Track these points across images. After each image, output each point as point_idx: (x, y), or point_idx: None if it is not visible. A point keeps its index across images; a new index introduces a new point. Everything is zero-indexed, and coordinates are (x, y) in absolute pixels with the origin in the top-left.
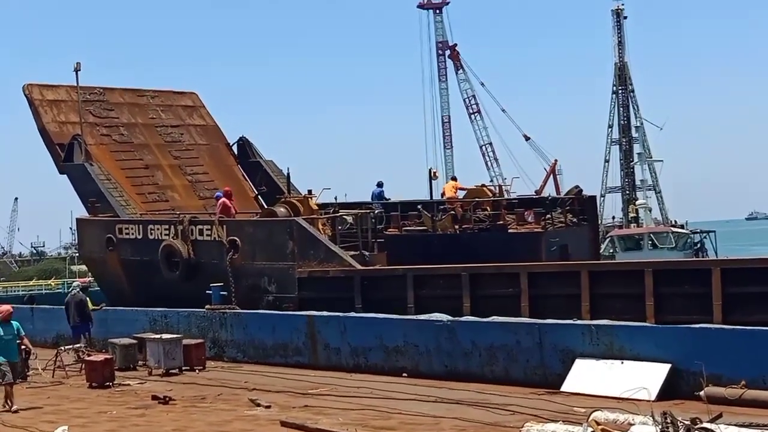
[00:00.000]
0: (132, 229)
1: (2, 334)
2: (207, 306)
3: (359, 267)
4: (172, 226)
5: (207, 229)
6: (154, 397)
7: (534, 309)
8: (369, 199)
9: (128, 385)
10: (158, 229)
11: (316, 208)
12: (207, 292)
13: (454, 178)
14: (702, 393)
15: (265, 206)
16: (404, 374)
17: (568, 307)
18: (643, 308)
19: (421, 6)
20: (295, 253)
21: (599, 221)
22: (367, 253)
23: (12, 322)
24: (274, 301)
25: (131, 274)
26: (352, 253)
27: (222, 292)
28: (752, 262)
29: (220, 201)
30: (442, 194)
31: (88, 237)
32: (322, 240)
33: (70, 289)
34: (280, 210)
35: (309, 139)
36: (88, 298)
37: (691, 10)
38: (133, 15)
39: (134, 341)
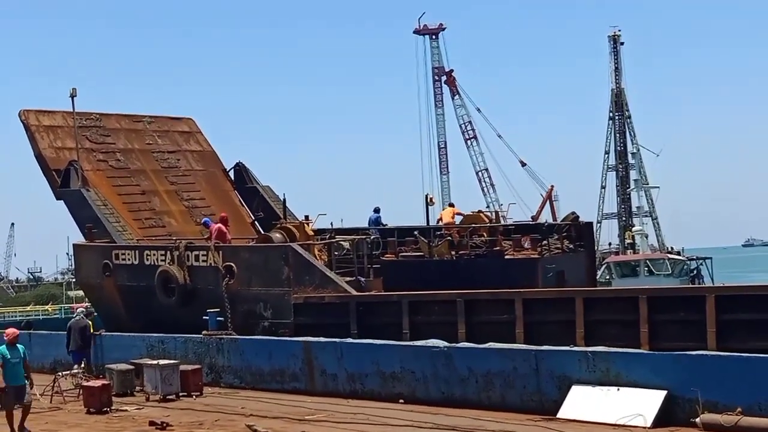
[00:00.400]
0: (128, 254)
1: (9, 357)
2: (204, 332)
3: (354, 293)
4: (168, 252)
5: (203, 255)
6: (152, 423)
7: (529, 335)
8: (366, 225)
9: (126, 410)
10: (154, 254)
11: (312, 233)
12: (204, 317)
13: (451, 204)
14: (698, 420)
15: (262, 232)
16: (401, 400)
17: (563, 333)
18: (638, 335)
19: (417, 32)
20: (291, 278)
21: (596, 247)
22: (362, 279)
23: (18, 345)
24: (270, 327)
25: (128, 299)
26: (348, 278)
27: (219, 318)
28: (746, 289)
29: (216, 227)
30: (439, 220)
31: (84, 263)
32: (317, 266)
33: (75, 315)
34: (276, 236)
35: (306, 165)
36: (90, 323)
37: (688, 37)
38: (129, 41)
39: (131, 367)
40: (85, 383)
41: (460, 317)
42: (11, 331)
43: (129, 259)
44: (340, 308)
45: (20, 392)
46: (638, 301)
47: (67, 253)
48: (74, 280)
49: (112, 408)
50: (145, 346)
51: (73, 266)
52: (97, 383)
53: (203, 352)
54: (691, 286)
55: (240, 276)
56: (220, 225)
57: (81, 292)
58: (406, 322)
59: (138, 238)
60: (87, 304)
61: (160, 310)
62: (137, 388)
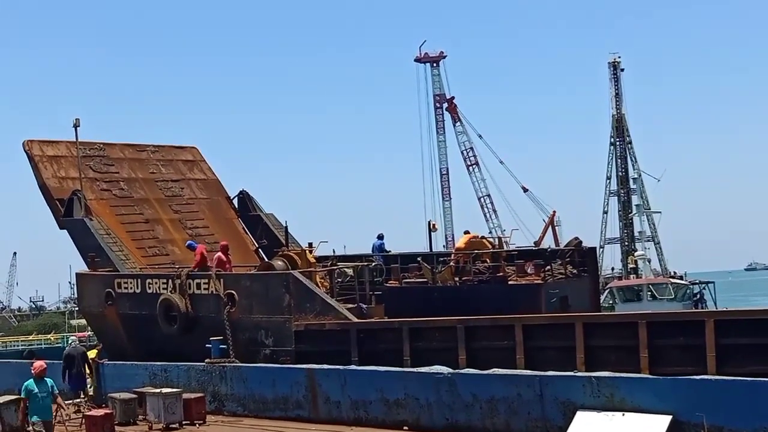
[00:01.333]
0: (130, 283)
1: (37, 391)
2: (207, 360)
3: (355, 320)
4: (170, 280)
5: (204, 283)
6: None
7: (529, 361)
8: (370, 252)
9: None
10: (156, 283)
11: (314, 261)
12: (207, 345)
13: (467, 232)
14: None
15: (266, 259)
16: (405, 427)
17: (564, 359)
18: (638, 360)
19: (418, 60)
20: (292, 306)
21: (599, 272)
22: (364, 306)
23: (46, 379)
24: (271, 355)
25: (130, 328)
26: (350, 305)
27: (222, 346)
28: (745, 314)
29: (216, 255)
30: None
31: (87, 291)
32: (318, 293)
33: (71, 342)
34: (278, 263)
35: (309, 192)
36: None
37: (689, 63)
38: (132, 70)
39: (134, 396)
40: (87, 412)
41: (460, 343)
42: (39, 364)
43: (131, 288)
44: (341, 335)
45: (48, 427)
46: (638, 326)
47: (70, 282)
48: (76, 309)
49: None
50: (147, 375)
51: (76, 295)
52: (100, 412)
53: (206, 380)
54: (689, 311)
55: (241, 304)
56: (220, 253)
57: (83, 321)
58: (407, 349)
59: (141, 267)
60: (89, 333)
61: (162, 338)
62: (140, 417)
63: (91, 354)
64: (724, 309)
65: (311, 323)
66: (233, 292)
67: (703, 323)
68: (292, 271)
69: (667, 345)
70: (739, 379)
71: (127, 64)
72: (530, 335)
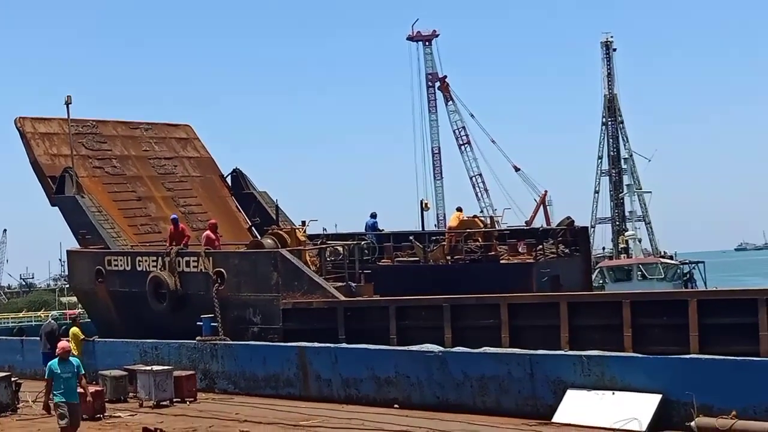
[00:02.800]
0: (120, 260)
1: (60, 372)
2: (198, 337)
3: (342, 298)
4: (160, 258)
5: (193, 261)
6: (145, 429)
7: (514, 340)
8: (363, 230)
9: (119, 417)
10: (146, 260)
11: (304, 239)
12: (198, 323)
13: (459, 209)
14: (693, 423)
15: (258, 237)
16: (396, 405)
17: (548, 337)
18: (622, 339)
19: (410, 38)
20: (280, 284)
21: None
22: (353, 284)
23: (71, 359)
24: (259, 333)
25: (120, 305)
26: (339, 284)
27: (213, 324)
28: (727, 294)
29: (205, 234)
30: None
31: (78, 269)
32: (305, 271)
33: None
34: (267, 242)
35: (302, 170)
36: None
37: (681, 43)
38: (127, 48)
39: (125, 373)
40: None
41: (446, 322)
42: (63, 345)
43: (121, 265)
44: (328, 313)
45: (73, 410)
46: (622, 306)
47: (60, 260)
48: (67, 286)
49: (105, 414)
50: (138, 352)
51: (67, 272)
52: (90, 389)
53: (197, 358)
54: (673, 290)
55: (230, 282)
56: (208, 232)
57: (74, 299)
58: (394, 327)
59: (133, 244)
60: (79, 310)
61: (152, 316)
62: (130, 394)
63: (74, 331)
64: (707, 289)
65: (299, 301)
66: (222, 270)
67: (686, 303)
68: (280, 250)
69: (651, 324)
70: (729, 358)
71: (121, 42)
72: (515, 314)
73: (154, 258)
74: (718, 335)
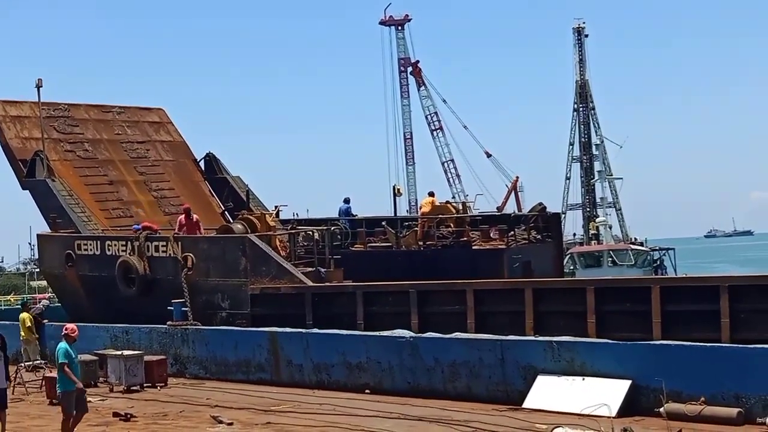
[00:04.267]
0: (90, 245)
1: (73, 356)
2: (169, 322)
3: (310, 283)
4: (129, 242)
5: (162, 246)
6: (116, 414)
7: (480, 326)
8: (335, 215)
9: (89, 402)
10: (115, 245)
11: (274, 224)
12: (169, 308)
13: (431, 194)
14: (662, 409)
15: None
16: (367, 391)
17: (514, 323)
18: (585, 325)
19: (383, 23)
20: (248, 269)
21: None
22: (323, 270)
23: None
24: (228, 318)
25: (90, 290)
26: (308, 269)
27: (184, 308)
28: (689, 280)
29: (179, 219)
30: (421, 208)
31: (48, 253)
32: (274, 257)
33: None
34: (237, 227)
35: (276, 156)
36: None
37: (652, 30)
38: (100, 31)
39: (95, 358)
40: (48, 374)
41: (413, 308)
42: (72, 326)
43: (91, 250)
44: (296, 299)
45: (81, 396)
46: (585, 292)
47: (30, 243)
48: (37, 270)
49: None
50: (109, 337)
51: (37, 256)
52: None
53: (168, 343)
54: (636, 277)
55: (199, 267)
56: (181, 217)
57: (44, 283)
58: (361, 313)
59: (104, 228)
60: (49, 294)
61: (121, 300)
62: (101, 379)
63: (23, 316)
64: (670, 276)
65: (267, 287)
66: (191, 255)
67: (649, 290)
68: (248, 235)
69: (614, 311)
70: (698, 344)
71: (94, 25)
72: (482, 300)
73: (124, 242)
74: (681, 322)
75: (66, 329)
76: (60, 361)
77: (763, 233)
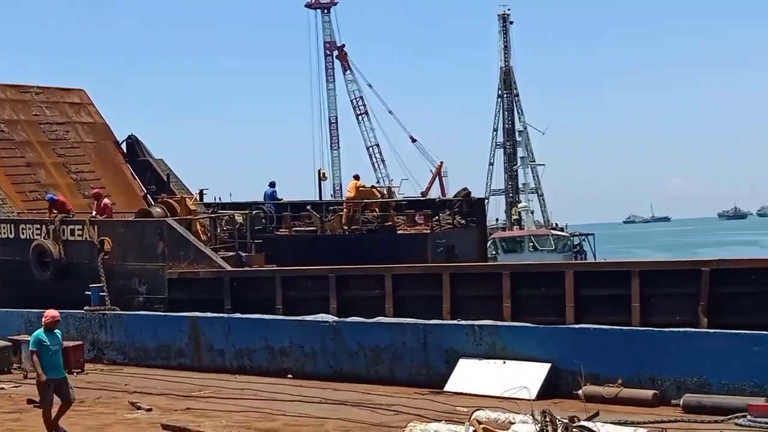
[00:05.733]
0: (3, 228)
1: (49, 344)
2: (86, 307)
3: (228, 268)
4: (44, 226)
5: (79, 230)
6: (30, 401)
7: (399, 310)
8: (261, 199)
9: (2, 388)
10: (30, 228)
11: (195, 208)
12: (86, 293)
13: (356, 177)
14: (580, 392)
15: None
16: (289, 375)
17: (431, 308)
18: (501, 309)
19: (309, 5)
20: (166, 254)
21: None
22: (243, 255)
23: (56, 331)
24: (145, 302)
25: (3, 274)
26: (229, 254)
27: (101, 293)
28: (603, 266)
29: (102, 202)
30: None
31: None
32: (192, 241)
33: None
34: (156, 210)
35: (200, 139)
36: None
37: (577, 18)
38: (17, 10)
39: (8, 343)
40: None
41: (331, 293)
42: (52, 314)
43: (4, 233)
44: (215, 283)
45: (61, 386)
46: (501, 277)
47: None
48: None
49: None
50: (23, 322)
51: None
52: None
53: (85, 328)
54: (550, 262)
55: (115, 251)
56: (97, 200)
57: None
58: (280, 297)
59: (19, 212)
60: None
61: (36, 285)
62: (15, 365)
63: None
64: (584, 261)
65: (185, 271)
66: (107, 238)
67: (563, 275)
68: (166, 219)
69: (530, 295)
70: (616, 328)
71: (14, 3)
72: (400, 285)
73: (39, 226)
74: (594, 306)
75: (45, 316)
76: (30, 349)
77: (680, 219)
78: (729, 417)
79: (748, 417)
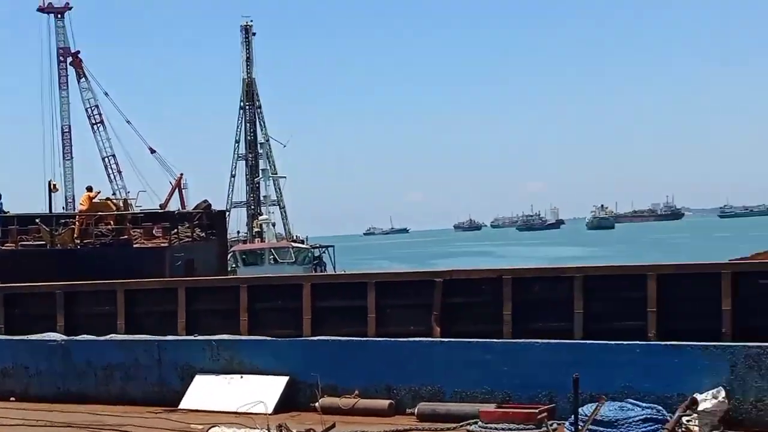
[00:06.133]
0: None
1: None
2: None
3: None
4: None
5: None
6: None
7: (134, 327)
8: None
9: None
10: None
11: None
12: None
13: (89, 188)
14: (317, 404)
15: None
16: (12, 398)
17: (167, 323)
18: (239, 323)
19: (41, 10)
20: None
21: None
22: None
23: None
24: None
25: None
26: None
27: None
28: (339, 278)
29: None
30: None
31: None
32: None
33: None
34: None
35: None
36: None
37: (319, 30)
38: None
39: None
40: None
41: (59, 310)
42: None
43: None
44: None
45: None
46: (239, 290)
47: None
48: None
49: None
50: None
51: None
52: None
53: None
54: (288, 275)
55: None
56: None
57: None
58: (2, 316)
59: None
60: None
61: None
62: None
63: None
64: (322, 273)
65: None
66: None
67: (300, 287)
68: None
69: (267, 308)
70: (351, 339)
71: None
72: (133, 300)
73: None
74: (330, 318)
75: None
76: None
77: (419, 231)
78: (462, 424)
79: (479, 423)
